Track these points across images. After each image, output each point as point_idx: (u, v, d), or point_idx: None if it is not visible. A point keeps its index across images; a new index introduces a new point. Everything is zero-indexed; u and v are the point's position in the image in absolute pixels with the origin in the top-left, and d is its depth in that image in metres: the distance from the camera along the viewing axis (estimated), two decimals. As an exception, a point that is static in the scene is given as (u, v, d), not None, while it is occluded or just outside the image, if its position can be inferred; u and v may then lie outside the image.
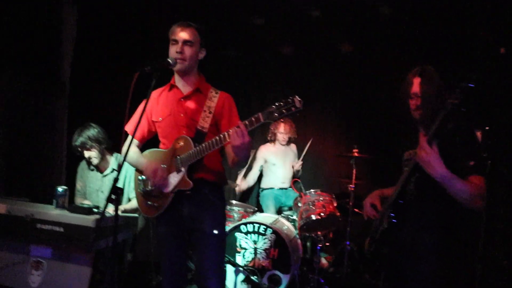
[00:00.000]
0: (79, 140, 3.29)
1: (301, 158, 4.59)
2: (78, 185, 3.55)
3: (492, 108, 4.05)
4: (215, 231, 2.34)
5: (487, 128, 3.81)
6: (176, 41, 2.33)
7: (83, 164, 3.55)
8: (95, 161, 3.37)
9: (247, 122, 2.07)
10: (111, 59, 4.96)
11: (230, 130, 2.10)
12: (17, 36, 4.37)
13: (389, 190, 2.24)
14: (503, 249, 3.44)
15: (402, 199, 2.03)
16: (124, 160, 2.11)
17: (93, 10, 5.08)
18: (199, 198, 2.33)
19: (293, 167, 4.56)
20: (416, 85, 2.00)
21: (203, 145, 2.21)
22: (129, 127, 2.45)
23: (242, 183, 4.53)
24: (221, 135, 2.16)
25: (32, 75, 4.56)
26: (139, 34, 4.95)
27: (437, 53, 4.34)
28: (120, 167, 2.02)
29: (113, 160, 3.43)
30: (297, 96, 1.98)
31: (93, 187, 3.46)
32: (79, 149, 3.33)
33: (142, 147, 2.58)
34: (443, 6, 4.35)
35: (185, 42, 2.32)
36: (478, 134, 3.81)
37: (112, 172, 3.41)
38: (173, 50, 2.33)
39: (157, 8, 4.90)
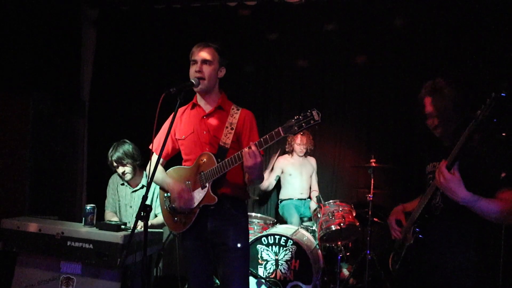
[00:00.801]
0: (115, 155, 3.40)
1: (313, 175, 4.68)
2: (110, 198, 3.64)
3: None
4: (239, 245, 2.39)
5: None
6: (195, 61, 2.41)
7: (114, 177, 3.65)
8: (128, 176, 3.46)
9: (267, 137, 2.14)
10: (129, 79, 5.10)
11: (242, 150, 2.18)
12: (39, 60, 4.55)
13: (411, 204, 2.21)
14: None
15: (428, 213, 1.94)
16: (152, 179, 2.19)
17: (111, 32, 5.25)
18: (222, 213, 2.39)
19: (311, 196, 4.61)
20: (428, 105, 1.97)
21: (225, 161, 2.28)
22: (154, 146, 2.53)
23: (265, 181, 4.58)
24: (239, 153, 2.23)
25: (54, 96, 4.73)
26: (156, 55, 5.08)
27: (452, 63, 4.37)
28: (149, 185, 2.10)
29: (144, 177, 3.52)
30: (315, 109, 2.04)
31: (123, 201, 3.56)
32: (115, 163, 3.43)
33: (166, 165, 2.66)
34: (457, 15, 4.39)
35: (203, 61, 2.40)
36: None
37: (142, 188, 3.50)
38: (192, 70, 2.41)
39: (174, 29, 5.04)
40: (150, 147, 2.44)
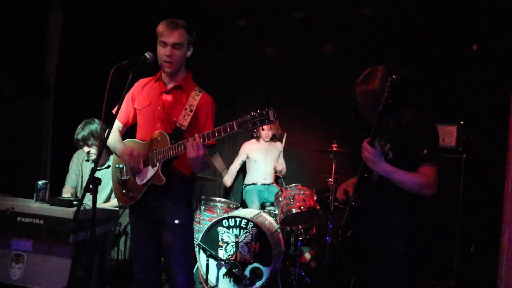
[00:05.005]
0: (81, 134, 3.37)
1: (280, 157, 4.68)
2: (72, 173, 3.57)
3: (466, 103, 4.18)
4: (176, 221, 2.36)
5: (461, 122, 3.94)
6: (165, 44, 2.34)
7: (80, 152, 3.58)
8: (93, 156, 3.44)
9: (221, 128, 2.13)
10: (96, 61, 5.02)
11: (188, 140, 2.18)
12: (3, 41, 4.44)
13: None
14: (474, 235, 3.58)
15: (365, 184, 2.08)
16: (106, 140, 2.22)
17: (78, 12, 5.16)
18: (162, 189, 2.35)
19: (275, 168, 4.62)
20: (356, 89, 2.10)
21: (178, 144, 2.25)
22: (115, 110, 2.46)
23: (227, 174, 4.58)
24: (183, 142, 2.22)
25: (19, 78, 4.63)
26: (123, 36, 5.01)
27: (417, 52, 4.47)
28: (102, 146, 2.15)
29: (110, 158, 3.47)
30: (272, 109, 2.06)
31: (86, 177, 3.51)
32: (80, 143, 3.39)
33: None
34: (421, 6, 4.48)
35: (174, 45, 2.34)
36: (453, 128, 3.94)
37: (108, 168, 3.45)
38: (161, 52, 2.35)
39: (143, 12, 4.97)
40: (113, 111, 2.40)
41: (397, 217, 2.03)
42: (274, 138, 4.71)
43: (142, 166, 2.38)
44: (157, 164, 2.34)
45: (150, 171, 2.36)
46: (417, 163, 1.93)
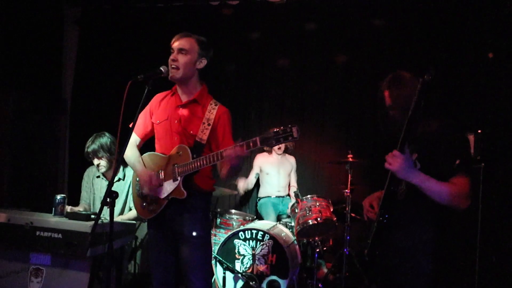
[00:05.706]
0: (91, 147, 3.39)
1: (293, 174, 4.67)
2: (84, 192, 3.61)
3: (484, 111, 4.12)
4: (194, 233, 2.36)
5: (479, 131, 3.87)
6: (172, 50, 2.41)
7: (90, 170, 3.62)
8: (103, 169, 3.45)
9: (244, 144, 2.12)
10: (111, 76, 5.10)
11: (225, 150, 2.16)
12: (21, 58, 4.58)
13: None
14: (495, 247, 3.48)
15: (393, 199, 1.95)
16: (121, 154, 2.21)
17: (94, 28, 5.27)
18: (181, 203, 2.36)
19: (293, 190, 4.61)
20: (387, 98, 2.00)
21: (202, 159, 2.25)
22: (132, 124, 2.48)
23: (242, 182, 4.53)
24: (217, 154, 2.21)
25: (36, 94, 4.74)
26: (138, 53, 5.09)
27: (431, 62, 4.43)
28: (117, 160, 2.12)
29: (120, 171, 3.51)
30: (296, 126, 2.04)
31: (98, 194, 3.54)
32: (90, 155, 3.41)
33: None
34: (434, 15, 4.47)
35: (179, 50, 2.39)
36: (471, 137, 3.87)
37: (118, 181, 3.48)
38: (169, 58, 2.40)
39: (156, 28, 5.06)
40: (130, 125, 2.39)
41: (425, 233, 1.91)
42: (286, 151, 4.70)
43: (160, 195, 2.39)
44: (179, 178, 2.34)
45: (171, 185, 2.36)
46: (449, 174, 1.80)
